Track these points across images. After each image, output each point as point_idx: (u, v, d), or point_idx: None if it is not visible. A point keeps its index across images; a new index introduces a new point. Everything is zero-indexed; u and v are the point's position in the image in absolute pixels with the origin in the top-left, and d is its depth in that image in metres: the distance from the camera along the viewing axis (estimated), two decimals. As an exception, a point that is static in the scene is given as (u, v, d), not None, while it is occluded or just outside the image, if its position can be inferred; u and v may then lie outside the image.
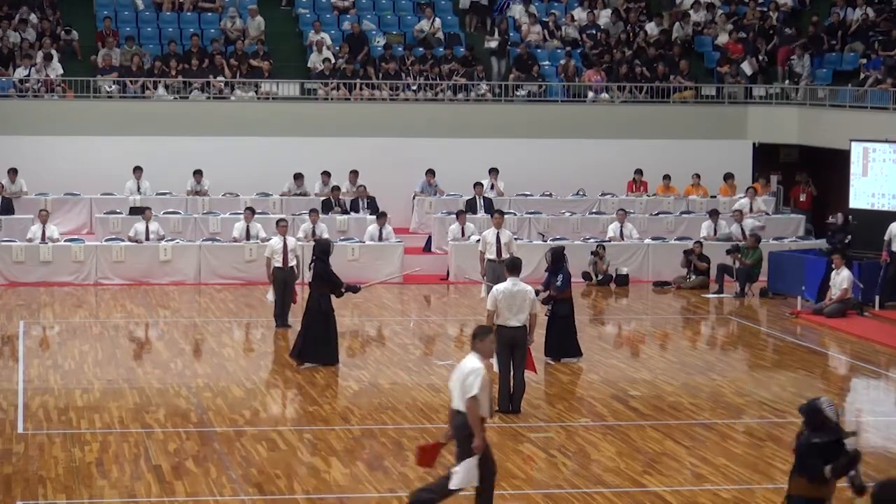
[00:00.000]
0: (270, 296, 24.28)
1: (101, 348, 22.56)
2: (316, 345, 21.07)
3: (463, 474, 12.74)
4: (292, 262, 24.27)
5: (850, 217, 28.25)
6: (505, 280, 18.43)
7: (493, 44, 36.36)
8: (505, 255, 24.75)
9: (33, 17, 35.48)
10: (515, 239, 26.94)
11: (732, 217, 31.79)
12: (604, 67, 36.14)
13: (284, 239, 24.34)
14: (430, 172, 33.14)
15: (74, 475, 15.16)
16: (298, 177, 32.68)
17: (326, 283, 21.24)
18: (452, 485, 12.83)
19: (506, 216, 28.38)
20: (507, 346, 18.03)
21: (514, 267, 18.54)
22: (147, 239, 29.60)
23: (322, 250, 21.43)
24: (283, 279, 24.05)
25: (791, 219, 33.39)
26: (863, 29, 36.40)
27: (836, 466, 11.25)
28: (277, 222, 25.29)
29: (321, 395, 19.44)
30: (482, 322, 22.83)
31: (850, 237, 28.16)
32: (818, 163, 35.51)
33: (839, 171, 32.06)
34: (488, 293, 24.08)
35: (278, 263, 24.10)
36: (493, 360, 18.70)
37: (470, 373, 12.83)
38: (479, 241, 29.69)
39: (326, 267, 21.24)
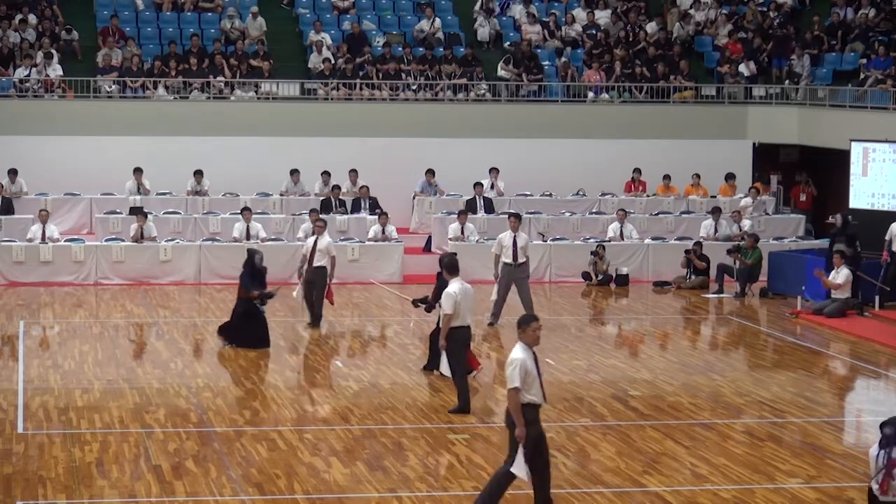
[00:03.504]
0: (297, 294, 24.46)
1: (101, 348, 22.55)
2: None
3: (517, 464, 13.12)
4: (321, 262, 24.21)
5: (849, 217, 28.18)
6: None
7: (506, 73, 36.10)
8: (521, 259, 24.16)
9: (33, 17, 35.47)
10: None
11: (732, 217, 31.78)
12: (604, 67, 36.12)
13: (316, 238, 24.40)
14: (430, 172, 33.12)
15: (74, 475, 15.15)
16: (294, 172, 32.62)
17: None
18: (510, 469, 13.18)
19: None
20: (466, 345, 18.14)
21: (454, 267, 18.08)
22: (142, 238, 29.60)
23: (451, 267, 18.99)
24: (309, 279, 24.15)
25: (791, 219, 33.37)
26: (863, 29, 36.40)
27: None
28: (314, 221, 25.55)
29: (321, 395, 19.43)
30: (482, 322, 22.90)
31: (853, 238, 27.91)
32: (818, 163, 35.49)
33: (839, 171, 32.06)
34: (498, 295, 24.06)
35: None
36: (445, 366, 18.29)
37: (508, 363, 13.11)
38: (478, 241, 29.84)
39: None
